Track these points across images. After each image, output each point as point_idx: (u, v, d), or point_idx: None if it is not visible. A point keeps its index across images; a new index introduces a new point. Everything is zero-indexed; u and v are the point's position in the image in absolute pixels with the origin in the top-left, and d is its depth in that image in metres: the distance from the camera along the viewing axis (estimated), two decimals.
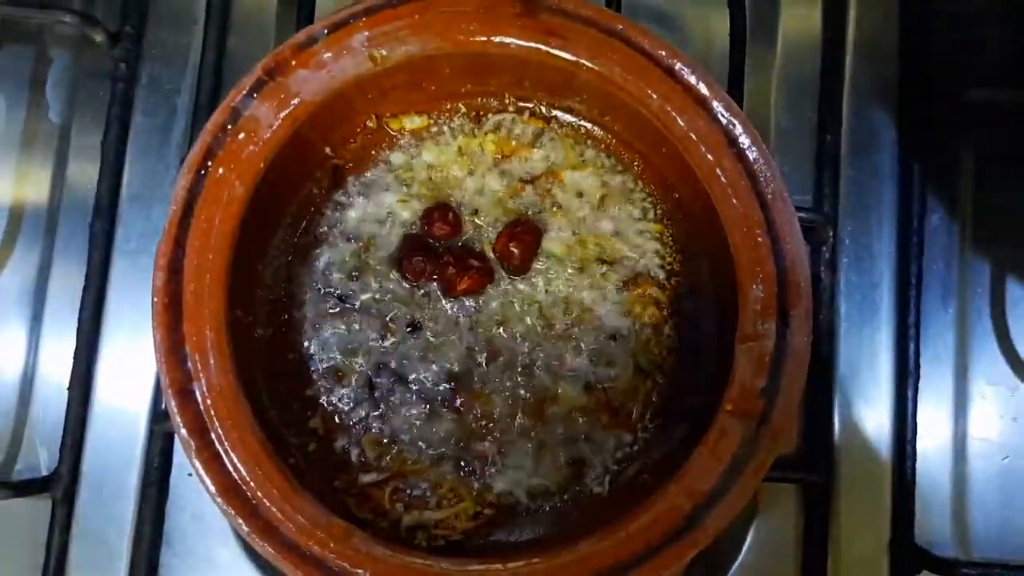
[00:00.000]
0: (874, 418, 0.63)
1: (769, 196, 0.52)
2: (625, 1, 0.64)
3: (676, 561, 0.47)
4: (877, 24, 0.68)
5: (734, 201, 0.52)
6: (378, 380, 0.59)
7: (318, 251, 0.60)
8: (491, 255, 0.60)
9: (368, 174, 0.60)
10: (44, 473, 0.62)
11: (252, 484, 0.49)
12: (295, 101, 0.52)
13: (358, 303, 0.59)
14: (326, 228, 0.60)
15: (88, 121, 0.67)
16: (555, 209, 0.60)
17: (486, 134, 0.61)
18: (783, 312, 0.51)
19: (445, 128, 0.61)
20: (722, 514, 0.48)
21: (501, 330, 0.59)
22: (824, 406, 0.63)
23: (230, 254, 0.51)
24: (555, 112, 0.61)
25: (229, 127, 0.51)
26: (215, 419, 0.49)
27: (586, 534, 0.49)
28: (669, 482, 0.49)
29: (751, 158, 0.52)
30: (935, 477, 0.64)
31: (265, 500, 0.49)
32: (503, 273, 0.59)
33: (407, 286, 0.59)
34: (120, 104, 0.65)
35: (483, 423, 0.59)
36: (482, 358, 0.59)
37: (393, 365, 0.59)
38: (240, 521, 0.48)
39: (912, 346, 0.63)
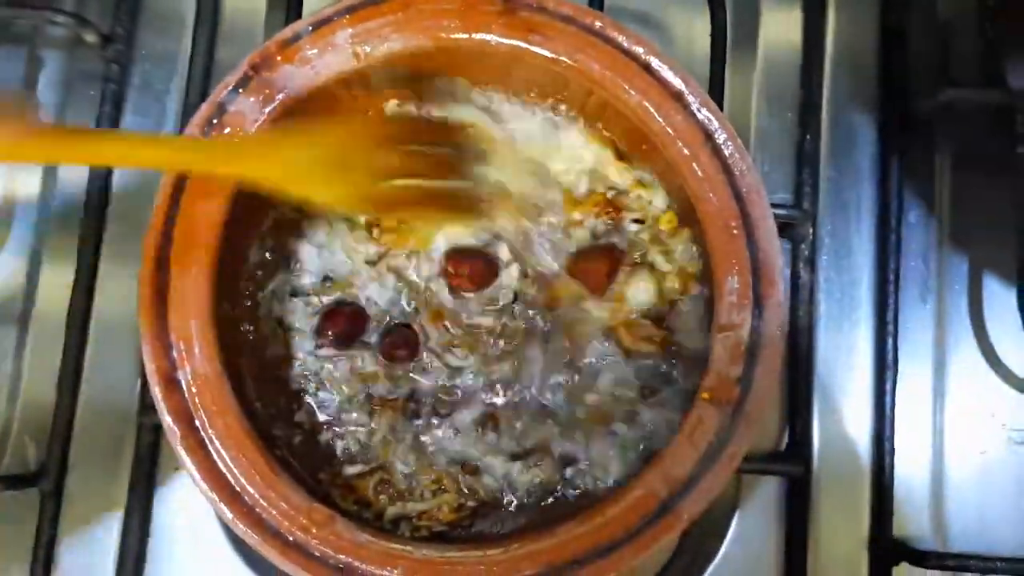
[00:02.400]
0: (853, 412, 0.64)
1: (744, 190, 0.53)
2: (609, 3, 0.65)
3: (652, 544, 0.48)
4: (856, 26, 0.70)
5: (711, 195, 0.53)
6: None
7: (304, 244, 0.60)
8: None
9: None
10: (32, 467, 0.63)
11: (236, 471, 0.49)
12: (280, 96, 0.53)
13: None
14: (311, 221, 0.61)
15: (79, 121, 0.67)
16: None
17: None
18: (757, 302, 0.52)
19: None
20: (697, 500, 0.49)
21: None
22: (804, 400, 0.64)
23: (216, 246, 0.52)
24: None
25: (214, 122, 0.52)
26: (200, 407, 0.50)
27: (565, 520, 0.50)
28: (646, 468, 0.50)
29: (727, 153, 0.53)
30: (913, 470, 0.64)
31: (249, 487, 0.49)
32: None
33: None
34: (111, 104, 0.66)
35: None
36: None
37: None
38: (223, 507, 0.49)
39: (890, 341, 0.64)
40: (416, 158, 0.54)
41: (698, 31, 0.71)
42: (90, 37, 0.66)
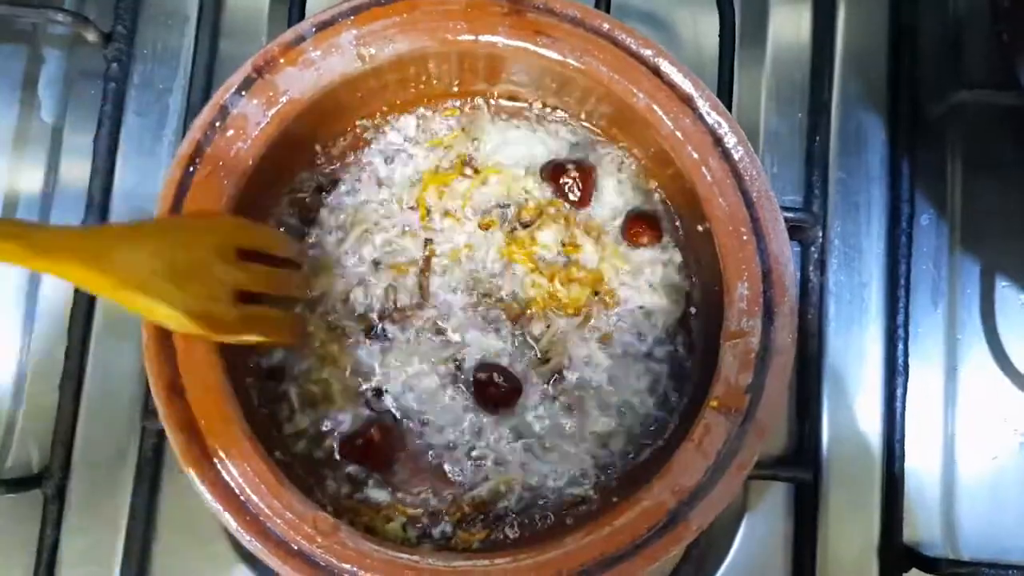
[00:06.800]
0: (863, 417, 0.64)
1: (754, 195, 0.52)
2: (615, 3, 0.64)
3: (661, 555, 0.47)
4: (865, 26, 0.69)
5: (720, 200, 0.52)
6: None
7: None
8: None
9: (357, 172, 0.61)
10: (35, 469, 0.63)
11: (240, 480, 0.49)
12: (284, 99, 0.52)
13: None
14: (315, 229, 0.60)
15: (80, 120, 0.67)
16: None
17: None
18: (768, 309, 0.51)
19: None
20: (706, 510, 0.48)
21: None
22: (813, 405, 0.63)
23: None
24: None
25: (218, 124, 0.52)
26: (203, 416, 0.49)
27: (573, 529, 0.50)
28: (655, 478, 0.49)
29: (736, 157, 0.52)
30: (924, 476, 0.64)
31: (253, 496, 0.49)
32: None
33: None
34: (112, 103, 0.65)
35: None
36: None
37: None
38: (228, 517, 0.48)
39: (901, 345, 0.64)
40: (255, 274, 0.53)
41: (706, 30, 0.70)
42: (91, 35, 0.65)
